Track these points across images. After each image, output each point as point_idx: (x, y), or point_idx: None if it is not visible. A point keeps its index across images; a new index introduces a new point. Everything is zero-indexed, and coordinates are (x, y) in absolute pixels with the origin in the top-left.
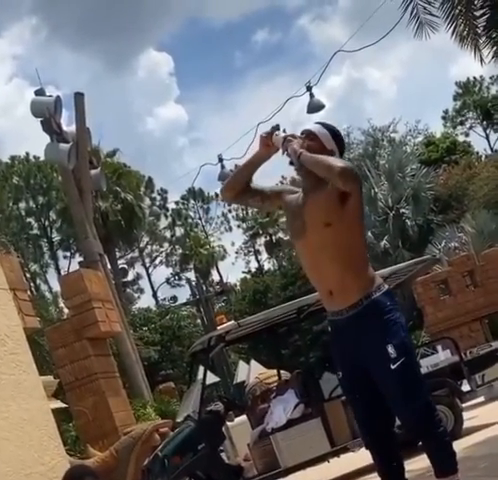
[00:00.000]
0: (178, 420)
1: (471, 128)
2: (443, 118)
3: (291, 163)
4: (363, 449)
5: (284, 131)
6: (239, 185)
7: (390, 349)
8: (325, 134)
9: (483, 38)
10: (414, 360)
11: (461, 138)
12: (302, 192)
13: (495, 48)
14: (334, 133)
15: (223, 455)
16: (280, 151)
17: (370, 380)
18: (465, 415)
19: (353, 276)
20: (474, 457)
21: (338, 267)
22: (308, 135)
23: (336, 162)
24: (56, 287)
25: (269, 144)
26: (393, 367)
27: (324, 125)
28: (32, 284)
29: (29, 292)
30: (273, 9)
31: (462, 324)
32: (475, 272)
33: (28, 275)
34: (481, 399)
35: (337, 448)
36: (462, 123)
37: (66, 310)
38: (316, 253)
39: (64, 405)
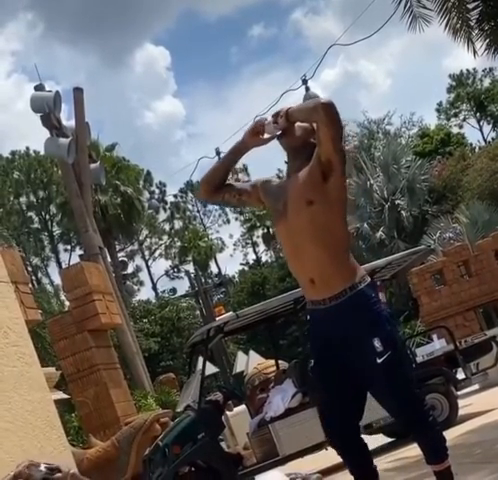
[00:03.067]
0: (178, 410)
1: (465, 120)
2: (437, 110)
3: (279, 137)
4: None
5: None
6: (217, 179)
7: (376, 343)
8: None
9: (476, 31)
10: (401, 353)
11: (455, 130)
12: (286, 176)
13: (488, 40)
14: None
15: (223, 444)
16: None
17: (346, 373)
18: (460, 403)
19: (335, 262)
20: (469, 444)
21: (319, 250)
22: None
23: (319, 98)
24: (57, 280)
25: (260, 132)
26: (379, 361)
27: None
28: (33, 277)
29: (30, 285)
30: (267, 3)
31: (457, 313)
32: (470, 262)
33: (29, 268)
34: (476, 387)
35: None
36: (456, 115)
37: (67, 303)
38: (297, 235)
39: (66, 396)
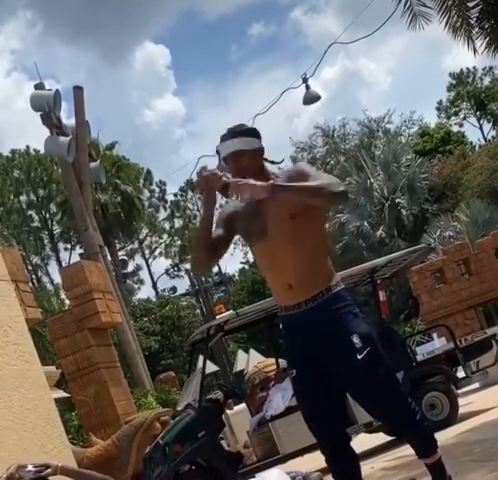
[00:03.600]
0: (178, 409)
1: (465, 118)
2: (437, 109)
3: (226, 195)
4: (361, 435)
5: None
6: (208, 251)
7: (355, 339)
8: (245, 141)
9: (476, 29)
10: (380, 351)
11: (455, 128)
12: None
13: (488, 39)
14: (247, 131)
15: (223, 442)
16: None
17: (327, 378)
18: (460, 401)
19: (315, 267)
20: (469, 442)
21: (301, 258)
22: (235, 156)
23: (335, 187)
24: (57, 279)
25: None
26: (360, 357)
27: (236, 134)
28: (34, 276)
29: (31, 284)
30: (267, 1)
31: (457, 312)
32: (470, 260)
33: (30, 267)
34: (476, 385)
35: None
36: (456, 114)
37: (67, 301)
38: (278, 248)
39: (66, 395)
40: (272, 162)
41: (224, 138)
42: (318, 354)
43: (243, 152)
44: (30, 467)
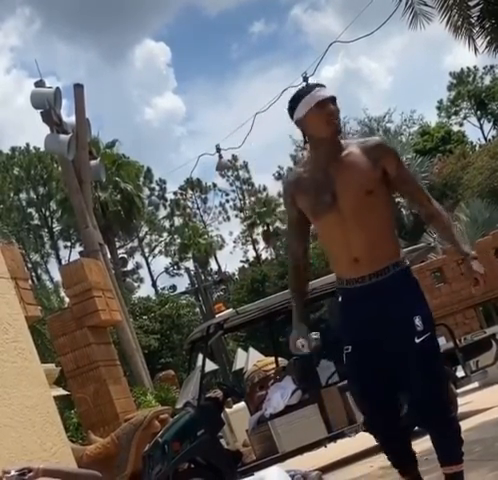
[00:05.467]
0: (178, 407)
1: (465, 118)
2: (438, 108)
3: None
4: (360, 434)
5: None
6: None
7: (417, 321)
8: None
9: (477, 28)
10: (436, 337)
11: (455, 128)
12: (321, 163)
13: (488, 38)
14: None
15: (222, 441)
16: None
17: (382, 354)
18: (459, 400)
19: (382, 242)
20: (468, 442)
21: (370, 233)
22: (333, 101)
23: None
24: (57, 277)
25: None
26: (418, 341)
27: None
28: (33, 274)
29: (30, 281)
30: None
31: (457, 311)
32: None
33: (29, 265)
34: (475, 385)
35: (334, 433)
36: (456, 113)
37: (67, 299)
38: (348, 221)
39: (66, 392)
40: None
41: (308, 89)
42: (375, 331)
43: (335, 99)
44: (13, 472)
